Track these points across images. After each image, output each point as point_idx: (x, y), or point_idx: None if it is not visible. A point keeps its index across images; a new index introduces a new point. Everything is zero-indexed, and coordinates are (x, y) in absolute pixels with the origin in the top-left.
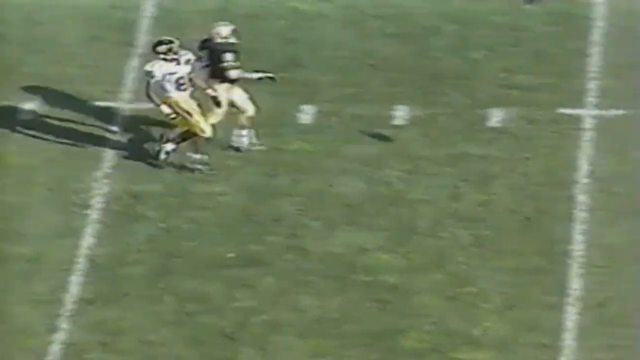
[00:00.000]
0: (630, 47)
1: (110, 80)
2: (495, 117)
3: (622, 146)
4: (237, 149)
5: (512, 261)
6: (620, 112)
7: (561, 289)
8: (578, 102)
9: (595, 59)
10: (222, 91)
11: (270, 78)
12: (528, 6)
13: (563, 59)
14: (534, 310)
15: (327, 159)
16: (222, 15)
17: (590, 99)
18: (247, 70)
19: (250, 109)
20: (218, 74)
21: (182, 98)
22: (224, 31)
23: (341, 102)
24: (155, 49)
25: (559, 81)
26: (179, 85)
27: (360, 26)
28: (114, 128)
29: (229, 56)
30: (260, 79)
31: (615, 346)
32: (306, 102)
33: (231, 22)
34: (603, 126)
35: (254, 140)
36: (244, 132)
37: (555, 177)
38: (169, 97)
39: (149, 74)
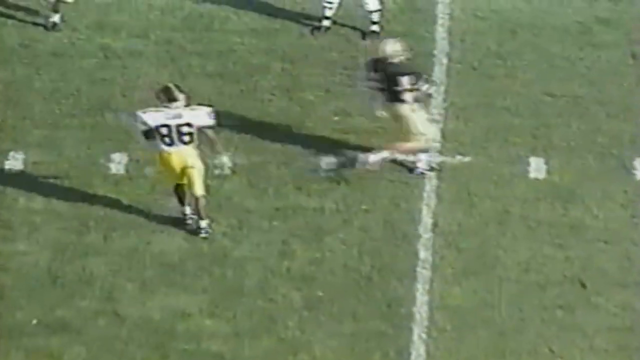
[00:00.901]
0: (476, 87)
1: None
2: (329, 165)
3: (468, 196)
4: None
5: (349, 325)
6: (466, 158)
7: (404, 356)
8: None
9: (438, 100)
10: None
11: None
12: (365, 41)
13: None
14: None
15: (142, 213)
16: (25, 52)
17: (434, 143)
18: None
19: (430, 132)
20: (393, 97)
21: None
22: (391, 48)
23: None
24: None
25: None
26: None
27: (179, 64)
28: None
29: (405, 80)
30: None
31: None
32: (118, 150)
33: (34, 60)
34: (447, 174)
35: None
36: (423, 155)
37: (395, 231)
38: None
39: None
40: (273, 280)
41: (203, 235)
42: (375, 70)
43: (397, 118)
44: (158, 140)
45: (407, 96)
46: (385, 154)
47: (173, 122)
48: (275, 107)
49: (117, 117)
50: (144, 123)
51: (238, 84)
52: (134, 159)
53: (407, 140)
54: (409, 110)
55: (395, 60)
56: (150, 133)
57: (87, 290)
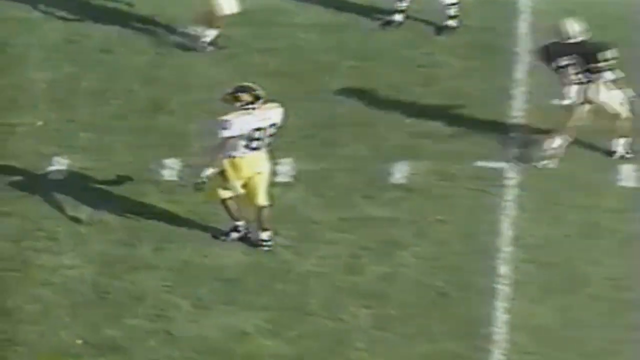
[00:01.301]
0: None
1: None
2: (402, 172)
3: (553, 206)
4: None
5: (423, 346)
6: (551, 165)
7: None
8: (500, 154)
9: (519, 101)
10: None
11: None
12: (440, 37)
13: (482, 101)
14: None
15: (198, 224)
16: (71, 49)
17: (514, 149)
18: None
19: (624, 112)
20: (590, 77)
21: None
22: (574, 27)
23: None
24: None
25: (478, 128)
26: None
27: (238, 62)
28: None
29: (608, 54)
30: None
31: None
32: (171, 155)
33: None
34: (530, 182)
35: (629, 150)
36: (621, 140)
37: (473, 244)
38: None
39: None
40: (340, 297)
41: (265, 248)
42: (562, 55)
43: (591, 101)
44: (239, 146)
45: (608, 74)
46: (561, 139)
47: (265, 124)
48: (343, 108)
49: (200, 124)
50: (233, 129)
51: (303, 83)
52: (188, 164)
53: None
54: (606, 89)
55: (580, 38)
56: (232, 139)
57: (137, 308)
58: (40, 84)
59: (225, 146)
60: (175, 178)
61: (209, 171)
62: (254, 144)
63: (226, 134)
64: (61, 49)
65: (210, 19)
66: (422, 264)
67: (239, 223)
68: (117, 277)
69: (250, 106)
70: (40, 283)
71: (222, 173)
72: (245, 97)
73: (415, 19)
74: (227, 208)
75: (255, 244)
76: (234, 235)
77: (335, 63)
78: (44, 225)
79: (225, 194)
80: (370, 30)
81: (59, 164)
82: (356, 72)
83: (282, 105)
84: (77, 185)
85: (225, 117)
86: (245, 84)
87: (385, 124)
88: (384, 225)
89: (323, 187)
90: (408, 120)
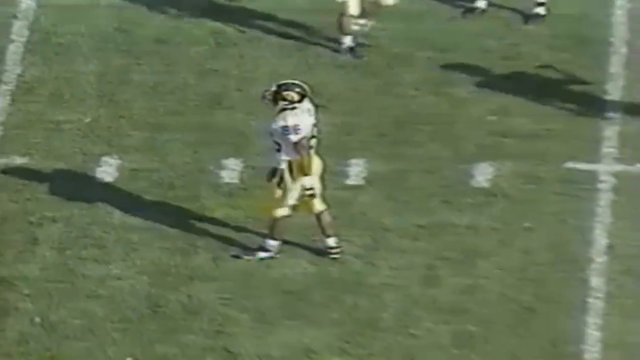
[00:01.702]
0: None
1: None
2: (484, 175)
3: None
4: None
5: None
6: None
7: None
8: (593, 154)
9: (614, 96)
10: None
11: None
12: (527, 26)
13: (573, 96)
14: None
15: (261, 232)
16: (122, 39)
17: (609, 149)
18: None
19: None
20: None
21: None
22: None
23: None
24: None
25: (568, 126)
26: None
27: (305, 53)
28: None
29: None
30: None
31: None
32: (231, 155)
33: (133, 48)
34: (625, 186)
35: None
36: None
37: (563, 254)
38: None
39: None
40: (415, 311)
41: (333, 256)
42: None
43: None
44: (304, 148)
45: None
46: None
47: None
48: (420, 104)
49: (260, 123)
50: (303, 132)
51: (375, 77)
52: (251, 166)
53: None
54: None
55: None
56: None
57: (194, 323)
58: (89, 77)
59: (292, 150)
60: (235, 180)
61: (284, 165)
62: (313, 143)
63: (296, 138)
64: (111, 39)
65: (370, 10)
66: (506, 275)
67: (273, 243)
68: (171, 288)
69: (295, 105)
70: (87, 295)
71: (280, 182)
72: (293, 95)
73: (500, 7)
74: (277, 227)
75: (322, 252)
76: (261, 254)
77: (411, 55)
78: (91, 232)
79: (281, 212)
80: (450, 18)
81: (108, 164)
82: (434, 65)
83: (353, 101)
84: (128, 188)
85: (292, 120)
86: (291, 81)
87: (465, 121)
88: (463, 232)
89: (397, 190)
90: (490, 118)
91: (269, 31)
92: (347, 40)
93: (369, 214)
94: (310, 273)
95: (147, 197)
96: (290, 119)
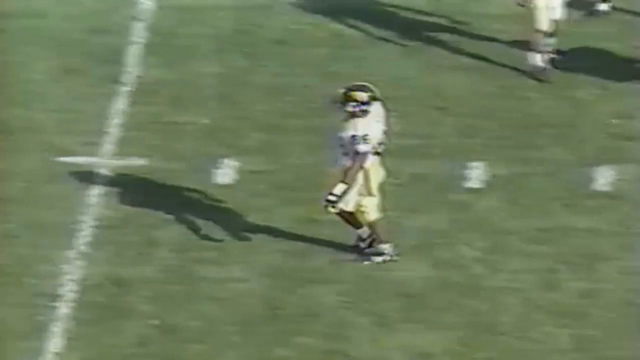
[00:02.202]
0: None
1: (88, 129)
2: (606, 178)
3: None
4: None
5: None
6: None
7: None
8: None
9: None
10: None
11: None
12: None
13: None
14: None
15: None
16: (243, 40)
17: None
18: None
19: None
20: None
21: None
22: None
23: (399, 158)
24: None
25: None
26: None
27: (427, 55)
28: (94, 191)
29: None
30: None
31: None
32: None
33: (254, 50)
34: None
35: None
36: None
37: None
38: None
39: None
40: (535, 315)
41: (381, 259)
42: None
43: None
44: (371, 155)
45: None
46: None
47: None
48: (542, 107)
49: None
50: (372, 140)
51: (498, 79)
52: None
53: None
54: None
55: None
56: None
57: (312, 326)
58: (209, 79)
59: (360, 159)
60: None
61: (342, 188)
62: (380, 149)
63: (365, 149)
64: (232, 40)
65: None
66: (627, 279)
67: (385, 246)
68: (290, 291)
69: (365, 108)
70: (206, 298)
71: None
72: (362, 95)
73: (622, 10)
74: (376, 232)
75: (444, 256)
76: (378, 258)
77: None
78: (210, 234)
79: (373, 215)
80: (571, 20)
81: (228, 166)
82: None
83: (475, 103)
84: (247, 190)
85: (363, 130)
86: (365, 84)
87: (588, 124)
88: (585, 236)
89: (518, 193)
90: (614, 120)
91: (391, 33)
92: (538, 59)
93: (490, 218)
94: (430, 276)
95: (266, 199)
96: (362, 128)
